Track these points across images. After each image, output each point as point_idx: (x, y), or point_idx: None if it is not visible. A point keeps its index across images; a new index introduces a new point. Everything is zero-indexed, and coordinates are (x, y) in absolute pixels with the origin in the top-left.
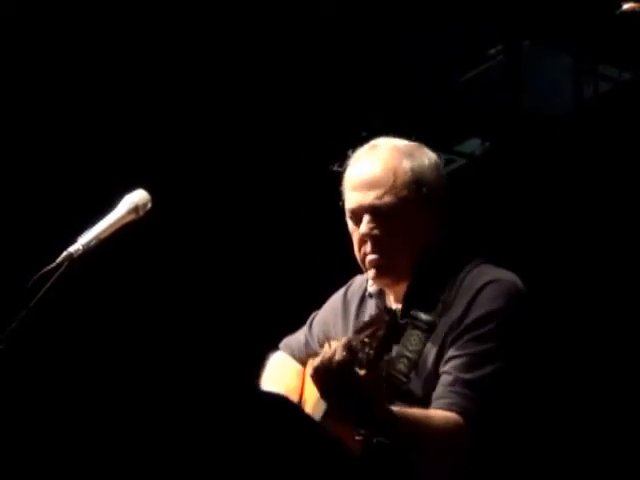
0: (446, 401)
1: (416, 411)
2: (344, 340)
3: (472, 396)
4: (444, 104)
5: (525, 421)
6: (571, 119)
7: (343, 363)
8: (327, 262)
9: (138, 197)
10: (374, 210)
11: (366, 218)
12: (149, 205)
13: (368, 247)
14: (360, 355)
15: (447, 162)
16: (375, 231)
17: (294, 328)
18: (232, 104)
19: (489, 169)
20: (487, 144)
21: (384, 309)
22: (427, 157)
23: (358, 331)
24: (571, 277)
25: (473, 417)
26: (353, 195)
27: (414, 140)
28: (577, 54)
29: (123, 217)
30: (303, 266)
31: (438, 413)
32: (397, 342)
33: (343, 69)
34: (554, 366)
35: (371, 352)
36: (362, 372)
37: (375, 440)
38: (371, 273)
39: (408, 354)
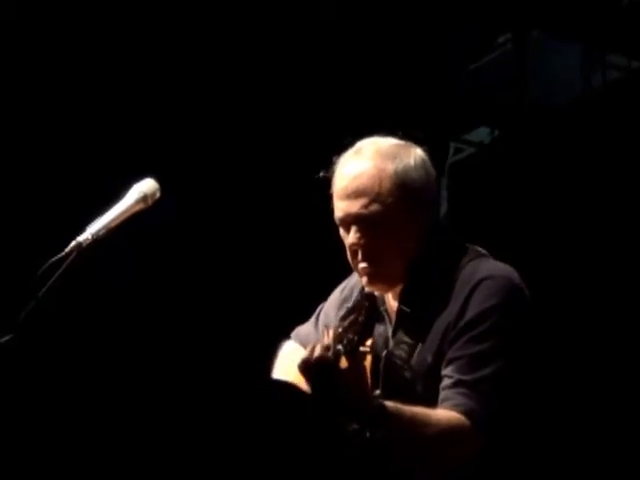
0: (449, 402)
1: (414, 407)
2: (330, 332)
3: (475, 396)
4: (453, 92)
5: (528, 418)
6: (579, 108)
7: (321, 360)
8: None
9: (147, 186)
10: (361, 219)
11: (354, 228)
12: (158, 194)
13: (359, 255)
14: (344, 342)
15: (456, 151)
16: (363, 240)
17: (306, 317)
18: (235, 107)
19: (498, 157)
20: (496, 132)
21: (364, 295)
22: (413, 156)
23: (342, 318)
24: (581, 266)
25: (478, 416)
26: (340, 204)
27: (402, 137)
28: (585, 43)
29: (132, 206)
30: (318, 253)
31: (440, 411)
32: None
33: (346, 70)
34: (554, 362)
35: (354, 338)
36: (344, 362)
37: (367, 434)
38: (364, 280)
39: (408, 340)
